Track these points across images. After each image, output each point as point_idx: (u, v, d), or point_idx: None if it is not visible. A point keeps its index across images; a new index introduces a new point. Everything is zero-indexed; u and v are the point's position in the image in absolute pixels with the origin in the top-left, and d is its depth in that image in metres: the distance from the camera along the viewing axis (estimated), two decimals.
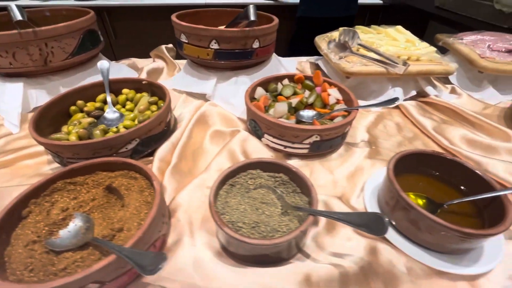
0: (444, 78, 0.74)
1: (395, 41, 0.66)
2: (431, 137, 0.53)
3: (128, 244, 0.26)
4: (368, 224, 0.26)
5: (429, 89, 0.63)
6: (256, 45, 0.58)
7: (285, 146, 0.45)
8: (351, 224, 0.27)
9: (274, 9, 1.74)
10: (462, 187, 0.36)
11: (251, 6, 0.53)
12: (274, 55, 0.74)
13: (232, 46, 0.56)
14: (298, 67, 0.80)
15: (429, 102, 0.63)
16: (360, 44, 0.64)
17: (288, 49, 1.66)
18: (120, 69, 0.72)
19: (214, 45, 0.56)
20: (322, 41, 0.73)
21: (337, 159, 0.47)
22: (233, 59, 0.58)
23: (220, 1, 1.72)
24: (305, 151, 0.45)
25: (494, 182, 0.33)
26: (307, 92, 0.55)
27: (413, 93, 0.64)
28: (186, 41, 0.58)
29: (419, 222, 0.30)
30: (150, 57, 0.83)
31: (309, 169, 0.45)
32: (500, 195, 0.31)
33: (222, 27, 0.63)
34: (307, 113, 0.50)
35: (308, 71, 0.78)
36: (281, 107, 0.48)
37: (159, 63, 0.78)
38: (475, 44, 0.70)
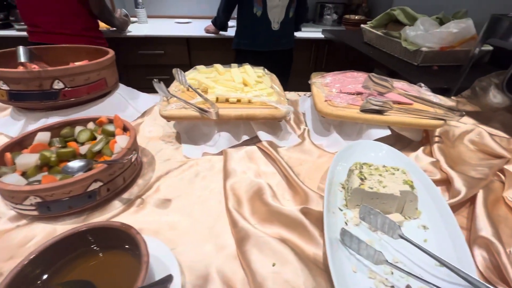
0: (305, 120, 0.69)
1: (231, 81, 0.62)
2: (225, 192, 0.46)
3: None
4: None
5: (260, 134, 0.57)
6: (59, 85, 0.54)
7: (13, 207, 0.39)
8: None
9: (216, 41, 1.77)
10: None
11: (20, 48, 0.49)
12: (122, 90, 0.70)
13: (24, 87, 0.52)
14: None
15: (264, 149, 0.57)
16: (189, 85, 0.60)
17: None
18: None
19: (4, 86, 0.51)
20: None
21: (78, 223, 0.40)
22: (32, 100, 0.54)
23: (162, 34, 1.74)
24: (35, 212, 0.38)
25: (142, 275, 0.25)
26: (99, 138, 0.49)
27: (245, 137, 0.58)
28: None
29: None
30: None
31: (28, 237, 0.37)
32: None
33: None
34: (73, 164, 0.43)
35: None
36: (24, 159, 0.41)
37: None
38: (330, 85, 0.66)
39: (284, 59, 1.65)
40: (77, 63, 0.56)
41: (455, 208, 0.44)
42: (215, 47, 1.79)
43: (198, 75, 0.65)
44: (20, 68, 0.50)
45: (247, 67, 0.69)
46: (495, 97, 0.85)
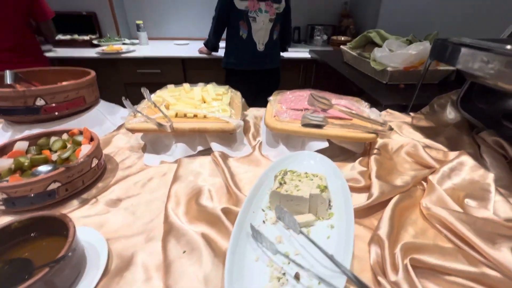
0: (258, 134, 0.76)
1: (191, 98, 0.70)
2: (168, 194, 0.52)
3: None
4: None
5: (213, 145, 0.64)
6: (41, 102, 0.63)
7: None
8: None
9: (209, 61, 1.89)
10: None
11: (7, 71, 0.59)
12: (102, 106, 0.79)
13: (11, 104, 0.61)
14: None
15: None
16: (153, 102, 0.68)
17: None
18: None
19: None
20: None
21: None
22: (18, 115, 0.63)
23: (159, 55, 1.88)
24: (2, 207, 0.46)
25: None
26: (69, 147, 0.58)
27: (199, 148, 0.66)
28: None
29: None
30: None
31: None
32: None
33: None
34: (42, 169, 0.51)
35: None
36: (4, 164, 0.50)
37: None
38: (282, 102, 0.73)
39: (271, 77, 1.75)
40: (61, 83, 0.66)
41: (370, 211, 0.50)
42: (207, 66, 1.92)
43: (165, 93, 0.74)
44: (8, 88, 0.60)
45: (210, 86, 0.77)
46: (450, 114, 0.91)
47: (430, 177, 0.56)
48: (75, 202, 0.51)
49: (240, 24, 1.52)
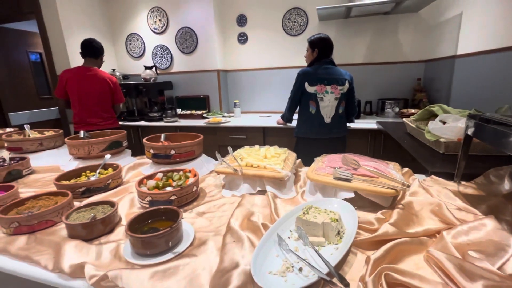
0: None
1: (257, 155, 1.01)
2: (233, 213, 0.80)
3: None
4: None
5: (267, 187, 0.91)
6: (172, 152, 1.07)
7: (140, 201, 0.85)
8: None
9: (284, 130, 2.29)
10: None
11: (163, 134, 1.05)
12: (203, 157, 1.20)
13: (158, 152, 1.07)
14: None
15: None
16: (233, 156, 1.03)
17: None
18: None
19: (151, 151, 1.09)
20: None
21: None
22: (160, 158, 1.09)
23: (246, 124, 2.41)
24: (147, 205, 0.83)
25: None
26: (182, 179, 0.96)
27: (258, 188, 0.93)
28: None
29: None
30: None
31: None
32: None
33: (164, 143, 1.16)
34: (167, 188, 0.89)
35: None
36: (149, 183, 0.90)
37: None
38: (324, 161, 0.96)
39: (337, 144, 1.96)
40: (183, 142, 1.11)
41: (376, 245, 0.62)
42: (283, 134, 2.31)
43: (242, 150, 1.09)
44: (159, 143, 1.07)
45: (272, 147, 1.08)
46: (507, 185, 0.91)
47: (444, 232, 0.64)
48: (181, 209, 0.84)
49: (310, 103, 1.88)
